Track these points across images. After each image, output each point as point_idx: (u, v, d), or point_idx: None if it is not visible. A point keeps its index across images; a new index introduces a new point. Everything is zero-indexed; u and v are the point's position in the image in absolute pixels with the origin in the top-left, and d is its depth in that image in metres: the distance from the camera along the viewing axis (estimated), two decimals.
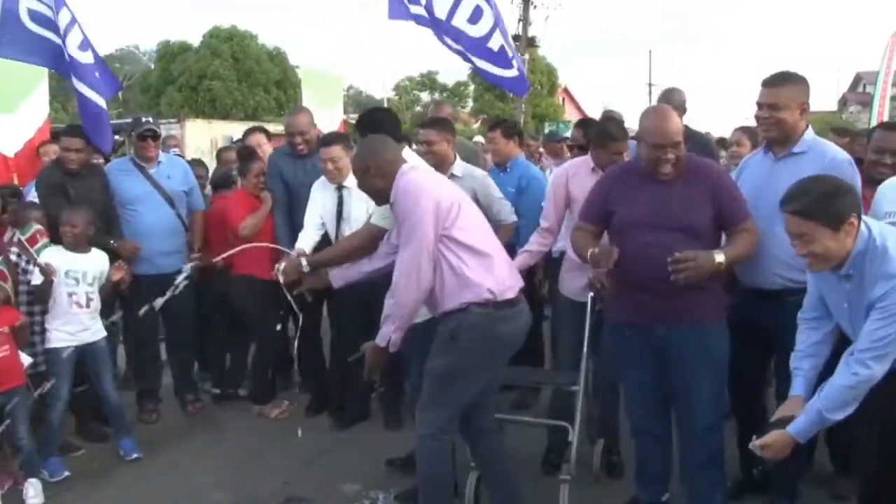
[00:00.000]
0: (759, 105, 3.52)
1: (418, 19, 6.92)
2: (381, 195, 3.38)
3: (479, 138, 11.20)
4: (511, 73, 6.46)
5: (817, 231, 2.65)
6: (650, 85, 50.20)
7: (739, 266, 3.43)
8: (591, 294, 3.99)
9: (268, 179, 5.33)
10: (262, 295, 5.00)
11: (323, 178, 4.84)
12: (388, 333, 3.28)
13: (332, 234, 4.81)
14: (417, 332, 3.78)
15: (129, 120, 6.74)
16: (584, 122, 5.54)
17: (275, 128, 9.31)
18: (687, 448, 3.50)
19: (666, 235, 3.23)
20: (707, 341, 3.31)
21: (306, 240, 4.68)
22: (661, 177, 3.31)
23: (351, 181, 4.70)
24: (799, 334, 3.07)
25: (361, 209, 4.59)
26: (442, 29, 6.65)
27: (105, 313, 4.72)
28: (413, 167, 3.43)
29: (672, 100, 5.08)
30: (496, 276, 3.25)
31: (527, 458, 4.25)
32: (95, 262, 4.58)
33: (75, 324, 4.46)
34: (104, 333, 4.64)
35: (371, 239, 3.69)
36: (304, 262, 3.97)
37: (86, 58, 5.30)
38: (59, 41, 5.20)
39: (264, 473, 4.44)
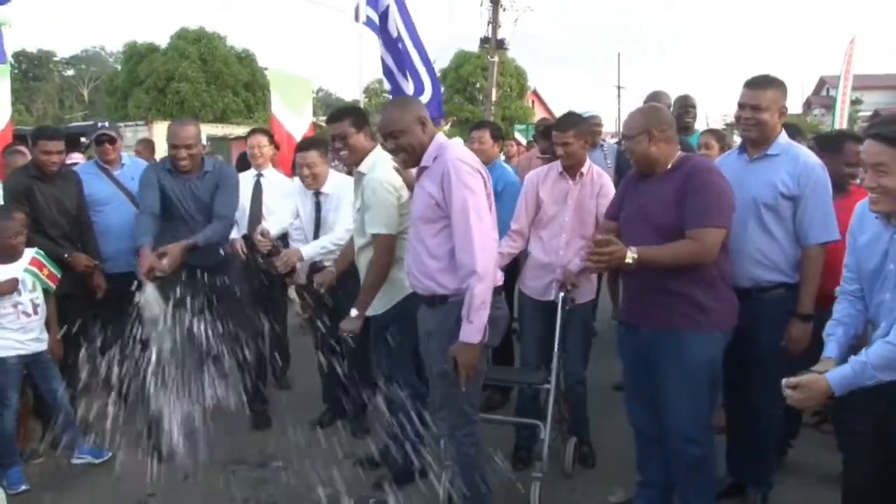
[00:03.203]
0: (742, 105, 3.58)
1: (369, 23, 7.22)
2: (410, 157, 3.31)
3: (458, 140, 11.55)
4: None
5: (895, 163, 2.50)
6: (619, 87, 50.73)
7: None
8: (563, 293, 4.06)
9: (141, 189, 4.77)
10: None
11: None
12: (481, 325, 3.10)
13: (310, 238, 4.88)
14: (381, 322, 4.00)
15: (90, 123, 6.64)
16: (546, 127, 5.64)
17: (243, 130, 9.27)
18: (671, 453, 3.45)
19: (645, 234, 3.27)
20: (679, 348, 3.26)
21: (273, 222, 5.02)
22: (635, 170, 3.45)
23: (328, 187, 4.77)
24: (836, 305, 2.97)
25: (337, 215, 4.71)
26: (388, 40, 7.09)
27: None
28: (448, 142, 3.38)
29: (658, 101, 5.15)
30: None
31: (497, 456, 4.26)
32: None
33: (24, 332, 4.36)
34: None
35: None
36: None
37: None
38: None
39: (233, 478, 4.40)
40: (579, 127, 4.24)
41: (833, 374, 2.57)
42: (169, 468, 4.53)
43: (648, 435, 3.56)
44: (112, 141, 5.35)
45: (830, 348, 2.83)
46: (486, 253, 3.09)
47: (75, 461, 4.64)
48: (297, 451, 4.72)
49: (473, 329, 3.09)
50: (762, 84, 3.56)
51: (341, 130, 4.06)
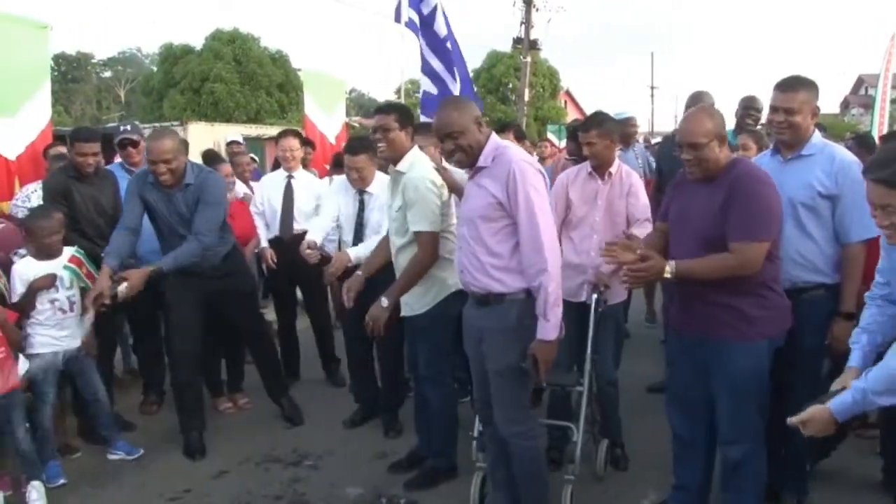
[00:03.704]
0: (775, 108, 3.52)
1: (409, 24, 7.23)
2: (468, 157, 3.30)
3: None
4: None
5: None
6: (652, 87, 50.36)
7: None
8: (595, 295, 4.04)
9: (125, 199, 4.72)
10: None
11: (344, 179, 4.90)
12: (557, 322, 3.16)
13: (350, 238, 4.90)
14: (421, 322, 4.04)
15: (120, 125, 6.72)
16: (574, 128, 5.62)
17: (277, 130, 9.33)
18: (720, 455, 3.45)
19: (687, 240, 3.23)
20: (723, 357, 3.22)
21: (318, 228, 4.99)
22: (689, 178, 3.32)
23: (373, 187, 4.80)
24: (864, 311, 2.96)
25: (380, 215, 4.73)
26: (434, 40, 7.10)
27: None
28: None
29: (702, 102, 5.09)
30: None
31: None
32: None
33: (60, 329, 4.43)
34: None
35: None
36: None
37: None
38: None
39: (266, 476, 4.44)
40: (602, 126, 4.21)
41: (835, 402, 2.58)
42: (204, 465, 4.60)
43: (685, 438, 3.53)
44: (134, 144, 5.45)
45: (854, 357, 2.84)
46: (554, 251, 3.16)
47: (110, 457, 4.71)
48: (330, 449, 4.77)
49: (550, 326, 3.15)
50: (793, 86, 3.50)
51: (385, 123, 4.04)
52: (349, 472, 4.45)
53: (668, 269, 3.07)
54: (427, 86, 7.47)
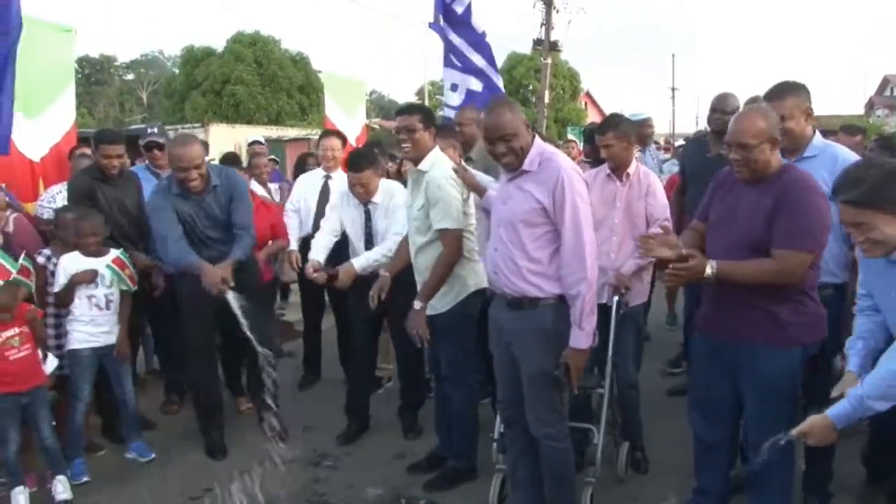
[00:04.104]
0: None
1: (434, 25, 7.24)
2: (518, 160, 3.27)
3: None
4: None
5: (876, 218, 2.52)
6: (673, 89, 50.11)
7: None
8: (616, 297, 4.03)
9: (157, 217, 4.58)
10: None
11: (346, 190, 4.85)
12: (591, 331, 3.20)
13: (360, 249, 4.84)
14: (443, 320, 4.05)
15: (144, 127, 6.79)
16: (591, 130, 5.61)
17: (297, 132, 9.37)
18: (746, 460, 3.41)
19: (729, 242, 3.19)
20: (754, 362, 3.17)
21: (321, 247, 4.91)
22: (737, 177, 3.25)
23: (377, 196, 4.76)
24: (855, 320, 3.01)
25: (386, 222, 4.74)
26: (475, 37, 7.14)
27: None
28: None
29: (727, 104, 5.07)
30: None
31: None
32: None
33: (95, 325, 4.54)
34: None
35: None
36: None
37: None
38: None
39: (286, 476, 4.46)
40: (619, 128, 4.20)
41: (833, 410, 2.64)
42: (224, 464, 4.63)
43: (707, 441, 3.50)
44: (161, 147, 5.49)
45: (853, 363, 2.93)
46: (594, 261, 3.17)
47: (128, 455, 4.77)
48: (349, 450, 4.79)
49: (584, 335, 3.17)
50: (780, 93, 3.50)
51: (410, 123, 4.03)
52: (368, 472, 4.47)
53: (710, 269, 3.02)
54: (472, 84, 7.38)
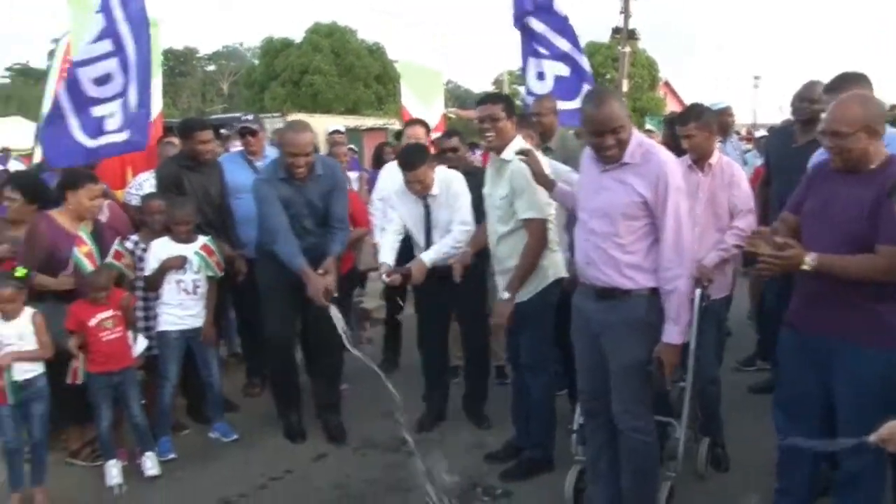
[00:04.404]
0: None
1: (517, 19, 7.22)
2: (622, 151, 3.18)
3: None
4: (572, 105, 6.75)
5: None
6: (756, 77, 48.71)
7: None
8: (698, 290, 3.94)
9: (264, 206, 4.62)
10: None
11: (403, 187, 4.80)
12: (685, 326, 3.20)
13: (422, 243, 4.80)
14: (525, 309, 4.05)
15: (234, 115, 6.94)
16: (671, 120, 5.48)
17: (374, 122, 9.43)
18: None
19: (827, 236, 3.04)
20: (851, 362, 3.03)
21: (388, 248, 4.80)
22: (832, 166, 3.12)
23: (435, 188, 4.71)
24: None
25: (448, 213, 4.70)
26: (558, 22, 7.05)
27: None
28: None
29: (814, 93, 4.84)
30: None
31: None
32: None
33: (183, 309, 4.69)
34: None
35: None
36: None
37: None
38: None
39: (364, 461, 4.53)
40: (701, 119, 4.11)
41: None
42: (304, 448, 4.72)
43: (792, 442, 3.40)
44: (253, 133, 5.60)
45: None
46: (691, 257, 3.18)
47: (211, 435, 4.92)
48: (427, 437, 4.82)
49: (678, 331, 3.16)
50: (839, 86, 3.48)
51: (493, 112, 4.02)
52: (446, 459, 4.49)
53: (809, 260, 2.91)
54: (560, 70, 7.31)
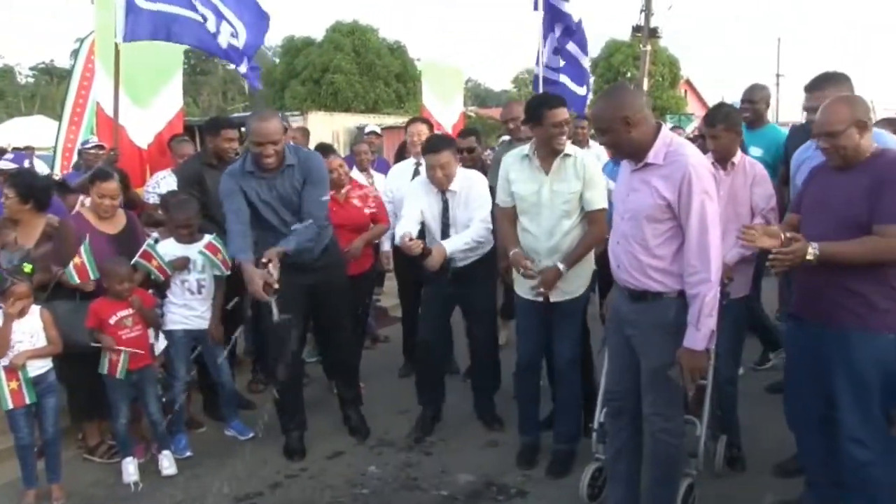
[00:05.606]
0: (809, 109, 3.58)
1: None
2: (639, 150, 3.14)
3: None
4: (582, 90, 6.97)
5: None
6: (778, 75, 48.27)
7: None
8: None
9: (224, 201, 4.37)
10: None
11: (424, 179, 4.75)
12: (708, 332, 3.08)
13: (437, 237, 4.69)
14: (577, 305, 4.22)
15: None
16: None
17: (394, 120, 9.43)
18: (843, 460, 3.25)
19: (826, 226, 3.14)
20: (846, 347, 3.10)
21: (411, 221, 4.65)
22: (829, 165, 3.26)
23: (455, 185, 4.65)
24: None
25: (466, 213, 4.63)
26: (571, 24, 7.17)
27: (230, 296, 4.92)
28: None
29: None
30: None
31: None
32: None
33: (188, 309, 4.70)
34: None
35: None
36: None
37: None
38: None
39: (379, 459, 4.53)
40: (728, 120, 4.07)
41: None
42: (319, 445, 4.73)
43: (801, 432, 3.45)
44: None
45: None
46: (718, 261, 3.07)
47: (227, 433, 4.93)
48: (443, 436, 4.81)
49: (700, 336, 3.06)
50: (819, 85, 3.82)
51: (567, 116, 4.17)
52: (461, 458, 4.49)
53: (812, 251, 2.97)
54: (574, 49, 7.46)
